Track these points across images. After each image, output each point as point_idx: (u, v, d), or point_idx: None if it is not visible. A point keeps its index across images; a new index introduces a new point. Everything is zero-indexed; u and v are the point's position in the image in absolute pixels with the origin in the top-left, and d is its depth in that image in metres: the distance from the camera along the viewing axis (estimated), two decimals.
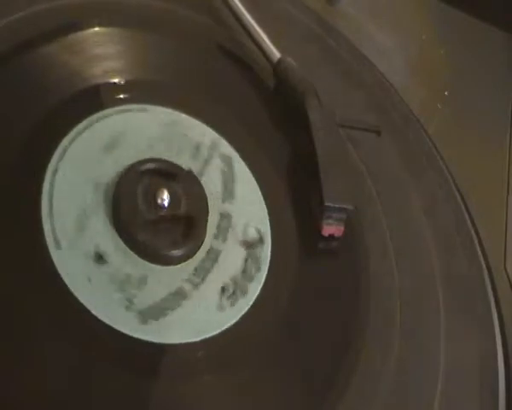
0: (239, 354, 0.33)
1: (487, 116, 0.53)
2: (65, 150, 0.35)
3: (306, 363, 0.34)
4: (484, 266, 0.42)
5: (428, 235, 0.41)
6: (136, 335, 0.31)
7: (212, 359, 0.32)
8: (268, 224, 0.37)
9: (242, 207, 0.37)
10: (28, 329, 0.30)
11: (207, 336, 0.33)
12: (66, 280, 0.32)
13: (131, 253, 0.33)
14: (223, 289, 0.34)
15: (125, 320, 0.32)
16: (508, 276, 0.44)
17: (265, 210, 0.37)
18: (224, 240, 0.36)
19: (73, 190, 0.34)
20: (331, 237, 0.38)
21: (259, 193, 0.38)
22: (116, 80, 0.39)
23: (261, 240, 0.36)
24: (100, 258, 0.33)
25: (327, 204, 0.37)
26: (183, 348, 0.32)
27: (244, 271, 0.35)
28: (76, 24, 0.40)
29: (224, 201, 0.37)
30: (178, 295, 0.33)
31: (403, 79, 0.52)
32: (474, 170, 0.49)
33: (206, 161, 0.38)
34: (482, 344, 0.39)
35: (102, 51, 0.40)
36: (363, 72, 0.48)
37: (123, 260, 0.33)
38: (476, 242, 0.43)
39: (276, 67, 0.43)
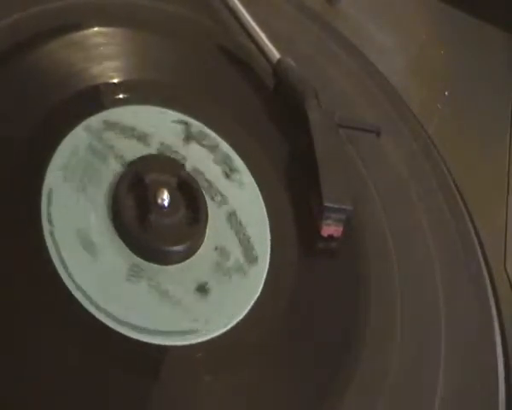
0: (239, 355, 0.33)
1: (487, 116, 0.53)
2: (65, 150, 0.35)
3: (306, 363, 0.34)
4: (484, 266, 0.42)
5: (428, 235, 0.41)
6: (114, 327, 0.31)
7: (212, 360, 0.32)
8: (268, 253, 0.37)
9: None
10: (23, 322, 0.30)
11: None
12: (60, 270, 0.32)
13: (128, 250, 0.34)
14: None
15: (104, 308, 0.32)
16: (508, 276, 0.44)
17: (269, 242, 0.37)
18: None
19: (73, 189, 0.34)
20: (330, 237, 0.38)
21: (267, 224, 0.38)
22: (116, 80, 0.39)
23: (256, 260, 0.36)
24: (90, 245, 0.33)
25: (326, 205, 0.37)
26: (183, 349, 0.32)
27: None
28: (76, 24, 0.40)
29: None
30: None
31: (403, 79, 0.52)
32: (474, 170, 0.49)
33: (221, 182, 0.38)
34: (482, 344, 0.39)
35: (102, 51, 0.40)
36: (363, 72, 0.48)
37: (113, 251, 0.33)
38: (476, 242, 0.43)
39: (276, 68, 0.43)
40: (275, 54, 0.43)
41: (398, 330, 0.37)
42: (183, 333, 0.32)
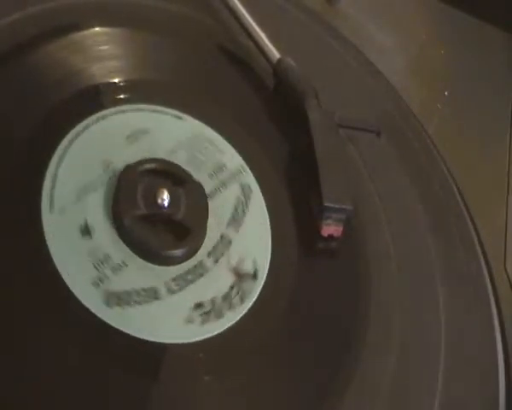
0: (239, 355, 0.33)
1: (487, 116, 0.53)
2: (65, 150, 0.35)
3: (306, 363, 0.34)
4: (484, 266, 0.42)
5: (428, 235, 0.41)
6: (98, 314, 0.31)
7: (211, 360, 0.32)
8: (268, 258, 0.36)
9: (246, 239, 0.36)
10: (23, 322, 0.30)
11: (162, 340, 0.32)
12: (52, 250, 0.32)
13: (118, 238, 0.33)
14: (198, 305, 0.34)
15: (90, 296, 0.32)
16: (508, 276, 0.44)
17: (269, 242, 0.37)
18: (216, 261, 0.35)
19: (73, 189, 0.34)
20: (330, 237, 0.38)
21: (268, 223, 0.37)
22: (116, 80, 0.39)
23: (254, 276, 0.35)
24: (87, 232, 0.33)
25: (326, 204, 0.37)
26: (183, 348, 0.32)
27: (226, 297, 0.34)
28: (76, 24, 0.40)
29: (228, 225, 0.37)
30: (151, 294, 0.33)
31: (403, 79, 0.52)
32: (474, 170, 0.49)
33: (223, 184, 0.38)
34: (482, 344, 0.39)
35: (102, 51, 0.40)
36: (364, 72, 0.48)
37: (108, 241, 0.33)
38: (476, 242, 0.43)
39: (276, 68, 0.43)
40: (275, 54, 0.43)
41: (398, 331, 0.37)
42: (179, 334, 0.32)
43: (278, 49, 0.43)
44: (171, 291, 0.33)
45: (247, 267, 0.36)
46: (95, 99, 0.37)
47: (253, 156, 0.39)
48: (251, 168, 0.39)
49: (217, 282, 0.35)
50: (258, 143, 0.40)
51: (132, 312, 0.32)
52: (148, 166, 0.36)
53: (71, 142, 0.35)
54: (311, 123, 0.40)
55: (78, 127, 0.36)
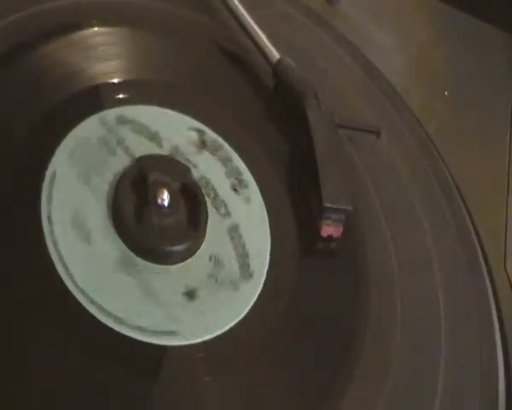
0: (239, 355, 0.33)
1: (487, 116, 0.53)
2: (65, 150, 0.35)
3: (306, 363, 0.34)
4: (484, 266, 0.42)
5: (428, 235, 0.41)
6: (97, 315, 0.31)
7: (211, 360, 0.32)
8: (267, 259, 0.36)
9: (246, 239, 0.37)
10: (23, 322, 0.30)
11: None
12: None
13: (118, 238, 0.34)
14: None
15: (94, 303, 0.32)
16: (508, 276, 0.44)
17: (268, 242, 0.37)
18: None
19: (73, 189, 0.34)
20: (330, 237, 0.38)
21: (267, 223, 0.37)
22: (116, 80, 0.39)
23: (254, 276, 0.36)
24: (87, 232, 0.33)
25: (326, 205, 0.37)
26: (183, 349, 0.32)
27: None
28: (76, 24, 0.40)
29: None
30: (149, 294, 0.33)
31: (403, 79, 0.52)
32: (474, 170, 0.49)
33: (221, 182, 0.38)
34: (482, 344, 0.39)
35: (102, 51, 0.40)
36: (364, 72, 0.48)
37: (108, 241, 0.33)
38: (476, 242, 0.43)
39: (276, 68, 0.43)
40: (274, 54, 0.43)
41: (398, 331, 0.37)
42: (163, 333, 0.32)
43: (278, 49, 0.43)
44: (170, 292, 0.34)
45: (248, 267, 0.36)
46: (95, 99, 0.37)
47: (253, 156, 0.39)
48: (250, 168, 0.39)
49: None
50: (257, 143, 0.40)
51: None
52: (148, 166, 0.36)
53: (71, 142, 0.35)
54: (310, 123, 0.40)
55: (78, 127, 0.36)
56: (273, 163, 0.40)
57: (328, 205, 0.37)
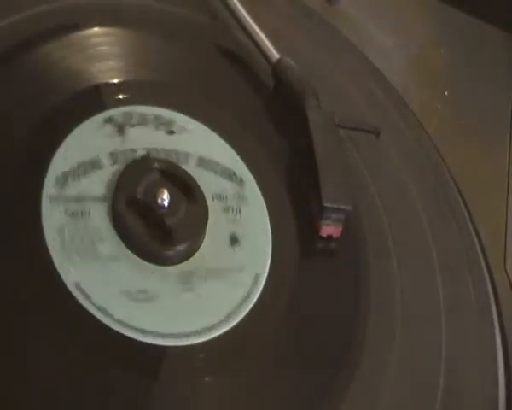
0: (239, 355, 0.33)
1: (487, 116, 0.53)
2: (65, 150, 0.35)
3: (306, 363, 0.34)
4: (484, 266, 0.42)
5: (428, 235, 0.41)
6: (98, 316, 0.31)
7: (211, 360, 0.32)
8: (268, 259, 0.36)
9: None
10: (23, 322, 0.30)
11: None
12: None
13: (118, 238, 0.34)
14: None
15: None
16: (508, 276, 0.44)
17: (269, 242, 0.37)
18: None
19: (73, 189, 0.34)
20: (329, 237, 0.38)
21: (267, 223, 0.37)
22: (116, 80, 0.39)
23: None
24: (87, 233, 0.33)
25: (325, 205, 0.37)
26: (182, 349, 0.32)
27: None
28: (76, 24, 0.40)
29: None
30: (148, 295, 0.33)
31: (403, 79, 0.52)
32: (474, 170, 0.49)
33: (220, 181, 0.38)
34: (482, 344, 0.39)
35: (102, 51, 0.40)
36: (363, 72, 0.48)
37: (109, 241, 0.33)
38: (476, 242, 0.43)
39: (276, 68, 0.43)
40: (274, 54, 0.43)
41: (398, 330, 0.37)
42: (163, 334, 0.32)
43: (278, 49, 0.43)
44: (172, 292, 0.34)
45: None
46: (95, 99, 0.37)
47: (253, 156, 0.39)
48: (250, 168, 0.39)
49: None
50: (257, 143, 0.40)
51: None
52: (147, 165, 0.36)
53: (71, 142, 0.35)
54: (310, 123, 0.40)
55: (78, 127, 0.36)
56: (273, 163, 0.40)
57: (328, 205, 0.37)
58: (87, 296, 0.32)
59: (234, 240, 0.36)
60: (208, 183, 0.37)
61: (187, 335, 0.33)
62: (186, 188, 0.36)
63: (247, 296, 0.35)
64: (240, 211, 0.37)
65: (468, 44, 0.57)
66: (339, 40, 0.49)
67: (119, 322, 0.31)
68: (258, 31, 0.43)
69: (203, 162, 0.38)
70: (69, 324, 0.31)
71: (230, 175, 0.38)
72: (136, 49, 0.41)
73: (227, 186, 0.38)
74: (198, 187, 0.36)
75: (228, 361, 0.33)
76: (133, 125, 0.37)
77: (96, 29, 0.40)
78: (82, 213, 0.34)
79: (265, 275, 0.36)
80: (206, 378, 0.32)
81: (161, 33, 0.42)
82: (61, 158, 0.35)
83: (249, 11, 0.44)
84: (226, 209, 0.37)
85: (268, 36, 0.43)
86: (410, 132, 0.46)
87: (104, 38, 0.41)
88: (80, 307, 0.31)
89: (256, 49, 0.43)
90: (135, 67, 0.40)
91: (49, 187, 0.34)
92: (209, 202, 0.36)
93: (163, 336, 0.32)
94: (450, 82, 0.54)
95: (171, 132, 0.38)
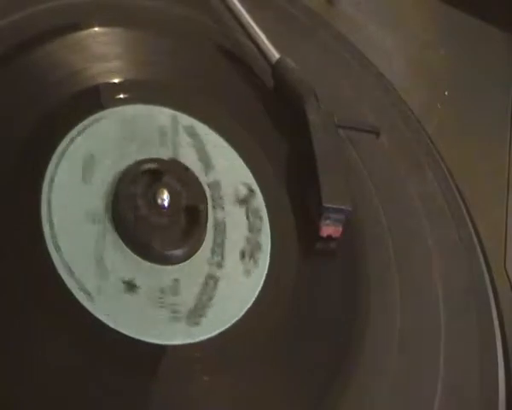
0: (239, 355, 0.33)
1: (487, 116, 0.53)
2: (65, 150, 0.35)
3: (306, 363, 0.34)
4: (484, 266, 0.42)
5: (428, 235, 0.41)
6: (98, 315, 0.31)
7: (211, 360, 0.32)
8: (267, 258, 0.36)
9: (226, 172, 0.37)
10: (23, 322, 0.30)
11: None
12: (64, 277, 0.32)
13: (118, 238, 0.34)
14: (242, 254, 0.35)
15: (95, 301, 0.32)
16: (508, 276, 0.44)
17: (269, 242, 0.37)
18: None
19: (73, 189, 0.34)
20: (329, 237, 0.38)
21: (268, 223, 0.38)
22: (116, 80, 0.39)
23: (252, 193, 0.37)
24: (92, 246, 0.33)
25: (325, 205, 0.37)
26: (182, 348, 0.32)
27: (251, 228, 0.36)
28: (76, 24, 0.40)
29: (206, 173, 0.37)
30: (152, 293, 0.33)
31: (403, 79, 0.52)
32: (474, 170, 0.49)
33: (220, 182, 0.38)
34: (482, 344, 0.39)
35: (102, 51, 0.40)
36: (363, 72, 0.48)
37: (109, 242, 0.33)
38: (476, 242, 0.43)
39: (275, 68, 0.43)
40: (274, 54, 0.43)
41: (397, 330, 0.37)
42: (162, 333, 0.32)
43: (278, 49, 0.43)
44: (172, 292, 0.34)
45: (244, 191, 0.37)
46: (95, 99, 0.37)
47: (252, 156, 0.39)
48: (250, 168, 0.39)
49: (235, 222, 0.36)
50: (257, 143, 0.40)
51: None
52: (147, 166, 0.36)
53: (70, 142, 0.35)
54: (310, 123, 0.40)
55: (78, 127, 0.36)
56: (273, 163, 0.40)
57: (328, 205, 0.37)
58: (88, 296, 0.32)
59: None
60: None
61: (186, 334, 0.33)
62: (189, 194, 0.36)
63: (247, 296, 0.35)
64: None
65: (468, 44, 0.57)
66: (339, 40, 0.49)
67: (120, 322, 0.32)
68: (258, 31, 0.43)
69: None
70: (69, 324, 0.31)
71: None
72: (136, 49, 0.41)
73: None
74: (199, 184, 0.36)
75: (227, 361, 0.33)
76: None
77: (96, 29, 0.40)
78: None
79: (265, 275, 0.36)
80: (205, 378, 0.32)
81: (161, 33, 0.42)
82: (61, 158, 0.35)
83: (249, 11, 0.44)
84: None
85: (268, 36, 0.43)
86: (410, 132, 0.46)
87: (104, 37, 0.41)
88: (81, 307, 0.31)
89: (256, 50, 0.43)
90: (135, 67, 0.40)
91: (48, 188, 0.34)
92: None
93: (162, 335, 0.32)
94: (450, 82, 0.54)
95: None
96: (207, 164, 0.38)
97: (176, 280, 0.34)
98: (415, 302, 0.38)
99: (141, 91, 0.39)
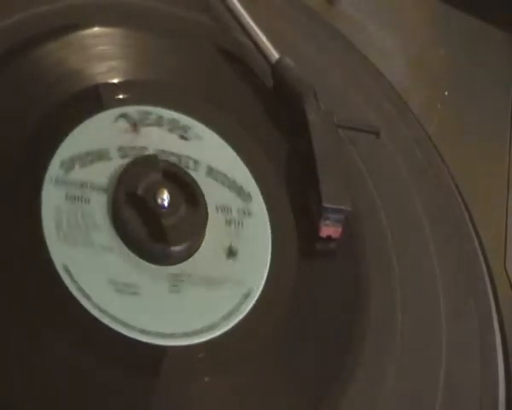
0: (239, 355, 0.33)
1: (487, 116, 0.53)
2: (65, 151, 0.35)
3: (306, 363, 0.34)
4: (484, 266, 0.42)
5: (428, 235, 0.41)
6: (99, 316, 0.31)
7: (211, 360, 0.32)
8: (268, 259, 0.36)
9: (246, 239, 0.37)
10: (23, 322, 0.30)
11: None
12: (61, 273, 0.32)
13: (119, 239, 0.34)
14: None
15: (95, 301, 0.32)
16: (508, 276, 0.44)
17: (269, 242, 0.37)
18: None
19: (73, 189, 0.34)
20: (329, 238, 0.38)
21: (267, 223, 0.37)
22: (116, 80, 0.39)
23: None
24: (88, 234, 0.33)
25: (325, 205, 0.37)
26: (182, 349, 0.32)
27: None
28: (76, 24, 0.40)
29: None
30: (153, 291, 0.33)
31: (403, 79, 0.52)
32: (474, 170, 0.49)
33: (220, 181, 0.38)
34: (482, 344, 0.39)
35: (102, 51, 0.40)
36: (364, 72, 0.48)
37: (109, 241, 0.33)
38: (476, 242, 0.43)
39: (275, 67, 0.43)
40: (274, 54, 0.43)
41: (398, 331, 0.37)
42: (163, 334, 0.32)
43: (277, 48, 0.43)
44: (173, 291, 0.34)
45: None
46: (94, 99, 0.37)
47: (252, 156, 0.39)
48: (250, 168, 0.39)
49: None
50: (257, 142, 0.40)
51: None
52: (147, 166, 0.36)
53: (70, 142, 0.35)
54: (310, 123, 0.40)
55: (78, 128, 0.36)
56: (272, 163, 0.40)
57: (328, 205, 0.37)
58: (88, 297, 0.32)
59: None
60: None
61: (186, 334, 0.33)
62: (188, 192, 0.36)
63: (247, 296, 0.35)
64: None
65: (468, 44, 0.57)
66: (339, 40, 0.49)
67: (120, 322, 0.31)
68: (257, 31, 0.43)
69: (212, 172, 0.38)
70: (69, 324, 0.31)
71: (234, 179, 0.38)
72: (136, 49, 0.41)
73: (230, 194, 0.38)
74: (201, 194, 0.36)
75: (228, 361, 0.33)
76: (148, 125, 0.38)
77: (96, 29, 0.40)
78: (82, 198, 0.34)
79: (265, 275, 0.36)
80: (206, 378, 0.32)
81: (161, 33, 0.42)
82: (70, 144, 0.35)
83: (249, 11, 0.44)
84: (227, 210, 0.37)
85: (268, 36, 0.43)
86: (410, 132, 0.46)
87: (104, 38, 0.41)
88: (81, 307, 0.31)
89: (255, 49, 0.43)
90: (135, 67, 0.40)
91: (54, 169, 0.34)
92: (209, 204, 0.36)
93: (163, 336, 0.32)
94: (451, 82, 0.54)
95: (184, 138, 0.38)
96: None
97: (176, 280, 0.34)
98: (415, 302, 0.38)
99: (141, 91, 0.39)
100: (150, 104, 0.38)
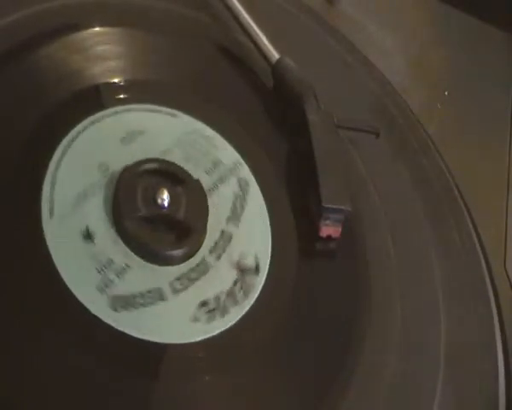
0: (239, 355, 0.33)
1: (487, 116, 0.53)
2: (65, 150, 0.35)
3: (306, 363, 0.34)
4: (484, 266, 0.42)
5: (428, 235, 0.41)
6: (106, 320, 0.31)
7: (212, 360, 0.32)
8: (269, 252, 0.36)
9: (246, 233, 0.37)
10: (23, 322, 0.30)
11: (169, 341, 0.32)
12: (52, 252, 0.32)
13: (120, 240, 0.33)
14: (203, 304, 0.34)
15: (96, 302, 0.32)
16: (508, 276, 0.44)
17: (269, 242, 0.37)
18: (218, 258, 0.35)
19: (73, 188, 0.34)
20: (329, 238, 0.38)
21: (268, 223, 0.37)
22: (116, 80, 0.39)
23: (257, 270, 0.36)
24: (88, 236, 0.33)
25: (325, 205, 0.37)
26: (182, 348, 0.32)
27: (230, 293, 0.34)
28: (76, 24, 0.40)
29: (228, 221, 0.37)
30: (155, 295, 0.33)
31: (403, 79, 0.52)
32: (474, 170, 0.49)
33: (221, 180, 0.38)
34: (482, 344, 0.39)
35: (102, 51, 0.40)
36: (363, 72, 0.48)
37: (110, 244, 0.33)
38: (476, 242, 0.43)
39: (275, 68, 0.43)
40: (274, 54, 0.43)
41: (398, 331, 0.37)
42: (184, 334, 0.32)
43: (277, 48, 0.43)
44: (175, 291, 0.33)
45: (249, 262, 0.36)
46: (94, 99, 0.37)
47: (252, 156, 0.39)
48: (250, 168, 0.39)
49: (220, 278, 0.35)
50: (256, 143, 0.40)
51: (139, 315, 0.32)
52: (146, 166, 0.36)
53: (70, 142, 0.35)
54: (310, 123, 0.40)
55: (78, 128, 0.36)
56: (272, 163, 0.40)
57: (328, 205, 0.37)
58: (88, 296, 0.32)
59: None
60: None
61: (193, 333, 0.33)
62: (182, 182, 0.36)
63: (247, 296, 0.35)
64: (241, 210, 0.37)
65: (468, 44, 0.57)
66: (339, 40, 0.49)
67: (92, 302, 0.31)
68: (257, 31, 0.43)
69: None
70: (69, 324, 0.31)
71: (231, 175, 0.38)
72: (136, 49, 0.41)
73: (227, 187, 0.38)
74: (198, 183, 0.36)
75: (228, 361, 0.33)
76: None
77: (96, 29, 0.40)
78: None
79: (265, 275, 0.36)
80: (206, 377, 0.32)
81: (161, 33, 0.42)
82: (61, 158, 0.35)
83: (249, 11, 0.44)
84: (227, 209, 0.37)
85: (267, 36, 0.43)
86: (410, 132, 0.46)
87: (104, 37, 0.41)
88: (81, 306, 0.31)
89: (256, 49, 0.43)
90: (135, 67, 0.40)
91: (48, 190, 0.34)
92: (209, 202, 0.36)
93: (170, 336, 0.32)
94: (451, 82, 0.54)
95: None
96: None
97: (176, 280, 0.34)
98: (415, 303, 0.38)
99: (141, 91, 0.39)
100: (150, 104, 0.38)
